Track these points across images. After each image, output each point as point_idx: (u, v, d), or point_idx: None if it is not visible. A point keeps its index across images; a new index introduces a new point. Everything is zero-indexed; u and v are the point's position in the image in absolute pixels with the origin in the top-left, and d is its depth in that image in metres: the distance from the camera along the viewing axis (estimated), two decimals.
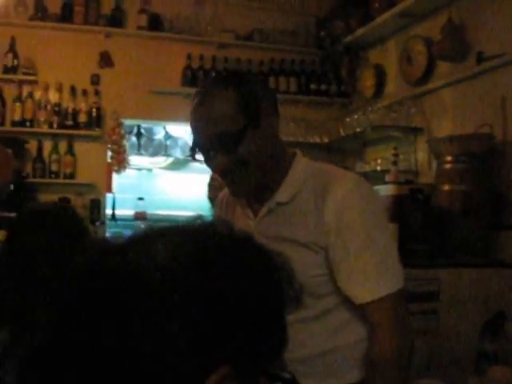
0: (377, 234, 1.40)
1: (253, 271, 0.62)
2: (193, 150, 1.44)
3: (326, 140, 5.06)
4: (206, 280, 0.58)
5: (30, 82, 4.78)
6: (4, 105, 4.68)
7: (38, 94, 4.78)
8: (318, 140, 5.08)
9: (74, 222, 1.49)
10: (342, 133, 4.80)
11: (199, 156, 1.44)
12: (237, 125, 1.35)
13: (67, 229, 1.45)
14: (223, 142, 1.35)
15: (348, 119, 4.78)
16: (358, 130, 4.54)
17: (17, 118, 4.68)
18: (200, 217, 0.69)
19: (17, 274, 1.36)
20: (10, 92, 4.72)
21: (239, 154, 1.36)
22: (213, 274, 0.59)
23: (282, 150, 1.47)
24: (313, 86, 5.25)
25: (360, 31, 4.77)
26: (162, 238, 0.62)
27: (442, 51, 3.85)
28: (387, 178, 3.45)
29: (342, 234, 1.37)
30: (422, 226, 3.04)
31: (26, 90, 4.76)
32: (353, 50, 5.08)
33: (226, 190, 1.62)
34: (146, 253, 0.60)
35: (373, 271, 1.38)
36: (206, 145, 1.39)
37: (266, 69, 5.18)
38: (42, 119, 4.73)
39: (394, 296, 1.37)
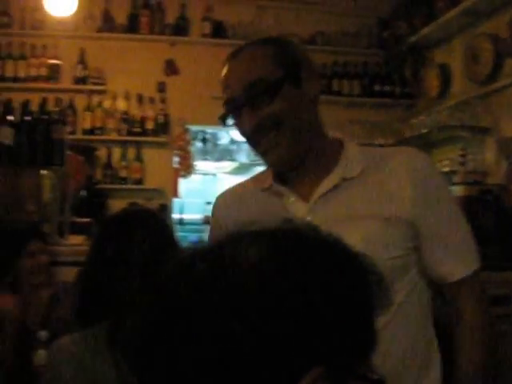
0: (457, 205, 1.36)
1: (343, 274, 0.63)
2: (224, 114, 1.30)
3: (390, 142, 5.02)
4: (298, 283, 0.60)
5: (99, 92, 4.95)
6: (75, 114, 4.87)
7: (106, 103, 4.94)
8: (382, 142, 5.05)
9: (164, 224, 1.54)
10: (407, 134, 4.76)
11: (230, 121, 1.30)
12: (274, 74, 1.23)
13: (162, 229, 1.50)
14: (258, 91, 1.22)
15: (414, 120, 4.73)
16: (424, 130, 4.49)
17: (87, 126, 4.86)
18: (289, 220, 0.69)
19: (116, 270, 1.40)
20: (80, 102, 4.90)
21: (274, 109, 1.23)
22: (305, 277, 0.60)
23: (319, 122, 1.34)
24: (376, 88, 5.23)
25: (424, 31, 4.72)
26: (252, 241, 0.63)
27: (511, 48, 3.77)
28: (455, 178, 3.41)
29: (431, 205, 1.27)
30: (493, 228, 2.99)
31: (95, 99, 4.93)
32: (417, 49, 5.02)
33: (233, 189, 1.47)
34: (239, 256, 0.61)
35: (467, 243, 1.31)
36: (239, 98, 1.24)
37: (329, 72, 5.19)
38: (110, 127, 4.89)
39: (478, 271, 1.32)
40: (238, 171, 5.50)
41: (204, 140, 5.45)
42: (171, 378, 0.60)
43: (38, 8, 4.77)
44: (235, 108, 1.26)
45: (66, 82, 4.91)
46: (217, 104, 4.90)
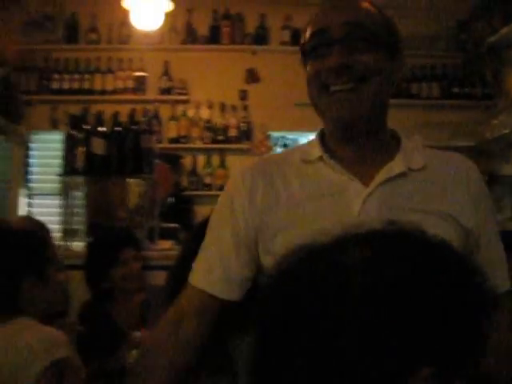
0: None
1: (453, 275, 0.63)
2: (309, 43, 1.18)
3: (471, 143, 4.93)
4: (411, 285, 0.61)
5: (183, 102, 5.12)
6: (160, 124, 5.07)
7: (190, 112, 5.10)
8: (462, 144, 4.96)
9: None
10: (488, 135, 4.66)
11: (308, 48, 1.19)
12: (379, 30, 1.16)
13: None
14: (356, 35, 1.13)
15: (494, 121, 4.62)
16: (505, 131, 4.38)
17: (172, 135, 5.04)
18: (392, 222, 0.69)
19: None
20: (165, 112, 5.09)
21: (368, 59, 1.13)
22: (417, 279, 0.61)
23: (386, 117, 1.26)
24: (456, 90, 5.15)
25: (504, 30, 4.61)
26: (361, 245, 0.64)
27: None
28: None
29: (488, 216, 1.22)
30: None
31: (179, 109, 5.11)
32: (496, 50, 4.91)
33: (263, 160, 1.34)
34: (349, 260, 0.63)
35: (505, 259, 1.26)
36: (335, 31, 1.13)
37: (408, 75, 5.16)
38: (195, 135, 5.05)
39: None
40: None
41: (285, 146, 5.52)
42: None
43: (125, 23, 5.02)
44: (323, 40, 1.15)
45: (151, 93, 5.11)
46: (297, 110, 4.99)
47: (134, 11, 4.73)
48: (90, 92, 5.01)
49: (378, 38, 1.15)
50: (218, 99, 5.12)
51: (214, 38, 5.21)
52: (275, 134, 5.27)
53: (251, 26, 5.27)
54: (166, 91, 5.11)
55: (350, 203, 1.15)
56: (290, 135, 5.53)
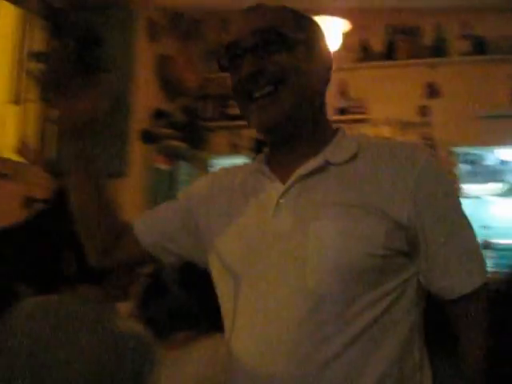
0: (465, 214, 1.20)
1: None
2: (222, 55, 1.24)
3: None
4: None
5: (361, 121, 5.26)
6: None
7: (369, 131, 5.23)
8: None
9: None
10: None
11: (224, 62, 1.25)
12: (290, 29, 1.19)
13: None
14: (268, 38, 1.17)
15: None
16: None
17: None
18: None
19: None
20: None
21: (281, 60, 1.17)
22: None
23: (324, 112, 1.28)
24: None
25: None
26: None
27: None
28: None
29: (433, 210, 1.15)
30: None
31: (357, 128, 5.26)
32: None
33: (233, 165, 1.41)
34: None
35: (472, 255, 1.19)
36: (244, 41, 1.19)
37: None
38: None
39: (483, 287, 1.19)
40: (509, 193, 5.43)
41: (471, 162, 5.48)
42: None
43: None
44: (236, 52, 1.20)
45: (329, 114, 5.29)
46: (480, 123, 4.90)
47: None
48: None
49: (289, 38, 1.18)
50: (396, 116, 5.20)
51: (389, 54, 5.32)
52: (459, 150, 5.25)
53: (428, 38, 5.31)
54: (343, 111, 5.27)
55: (267, 203, 1.20)
56: (475, 151, 5.47)
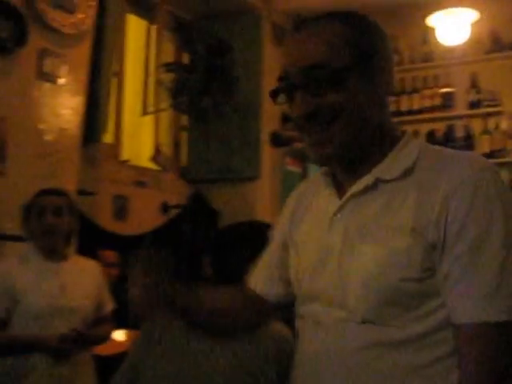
0: (507, 238, 1.03)
1: None
2: (275, 90, 1.19)
3: None
4: None
5: (495, 114, 5.03)
6: (471, 138, 5.04)
7: (504, 124, 4.98)
8: None
9: None
10: None
11: (281, 98, 1.20)
12: (339, 61, 1.10)
13: None
14: (316, 77, 1.10)
15: None
16: None
17: (485, 149, 4.96)
18: None
19: None
20: (476, 126, 5.06)
21: (333, 100, 1.10)
22: None
23: (387, 120, 1.19)
24: None
25: None
26: None
27: None
28: None
29: (458, 226, 1.04)
30: None
31: (491, 121, 5.03)
32: None
33: (300, 189, 1.39)
34: None
35: (491, 283, 1.02)
36: (293, 78, 1.13)
37: None
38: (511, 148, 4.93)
39: (507, 327, 1.01)
40: None
41: None
42: None
43: (426, 41, 5.15)
44: (288, 88, 1.15)
45: (460, 109, 5.13)
46: None
47: (440, 28, 4.83)
48: (398, 113, 5.18)
49: (343, 73, 1.11)
50: None
51: None
52: None
53: None
54: (476, 104, 5.07)
55: (325, 218, 1.20)
56: None
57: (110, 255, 3.77)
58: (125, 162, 4.49)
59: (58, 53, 3.32)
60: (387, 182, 1.13)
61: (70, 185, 3.21)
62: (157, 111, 4.80)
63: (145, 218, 4.49)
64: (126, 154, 4.55)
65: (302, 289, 1.23)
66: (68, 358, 2.45)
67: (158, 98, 4.79)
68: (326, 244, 1.17)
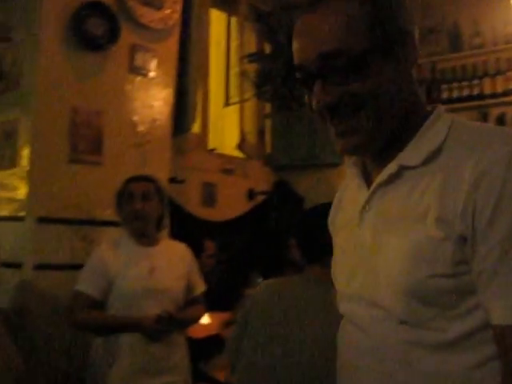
0: None
1: None
2: (292, 80, 1.05)
3: None
4: None
5: None
6: None
7: None
8: None
9: None
10: None
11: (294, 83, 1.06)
12: (358, 45, 0.97)
13: None
14: (335, 66, 0.98)
15: None
16: None
17: None
18: None
19: None
20: None
21: (355, 89, 0.98)
22: None
23: (414, 98, 1.05)
24: None
25: None
26: None
27: None
28: None
29: (491, 215, 0.90)
30: None
31: None
32: None
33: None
34: None
35: None
36: (312, 68, 1.01)
37: None
38: None
39: None
40: None
41: None
42: None
43: (508, 23, 5.00)
44: (306, 77, 1.03)
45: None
46: None
47: None
48: (481, 97, 5.06)
49: (363, 58, 0.97)
50: None
51: None
52: None
53: None
54: None
55: (355, 213, 1.11)
56: None
57: (211, 246, 3.87)
58: (212, 150, 4.61)
59: (147, 47, 3.45)
60: (412, 168, 1.01)
61: (161, 173, 3.32)
62: (241, 101, 4.89)
63: (232, 204, 4.60)
64: (212, 143, 4.67)
65: (339, 287, 1.17)
66: (161, 338, 2.56)
67: (241, 89, 4.88)
68: (357, 240, 1.09)
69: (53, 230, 2.98)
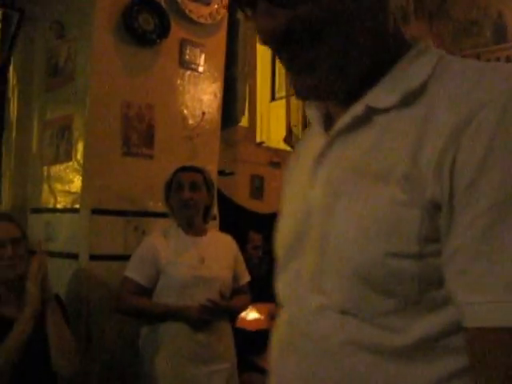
0: None
1: None
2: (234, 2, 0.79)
3: None
4: None
5: None
6: None
7: None
8: None
9: None
10: None
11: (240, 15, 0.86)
12: None
13: None
14: None
15: None
16: None
17: None
18: None
19: None
20: None
21: (304, 10, 0.75)
22: None
23: (391, 28, 0.81)
24: None
25: None
26: None
27: None
28: None
29: (476, 172, 0.66)
30: None
31: None
32: None
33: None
34: None
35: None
36: None
37: None
38: None
39: None
40: None
41: None
42: None
43: None
44: (250, 2, 0.81)
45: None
46: None
47: None
48: None
49: None
50: None
51: None
52: None
53: None
54: None
55: (308, 168, 0.87)
56: None
57: (257, 238, 3.90)
58: (260, 144, 4.63)
59: (196, 42, 3.48)
60: (383, 112, 0.78)
61: (211, 166, 3.36)
62: (287, 96, 4.89)
63: (279, 196, 4.61)
64: (260, 136, 4.69)
65: (279, 262, 0.93)
66: (206, 327, 2.60)
67: (287, 83, 4.88)
68: (307, 201, 0.85)
69: (106, 222, 3.03)
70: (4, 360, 2.12)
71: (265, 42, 0.80)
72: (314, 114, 0.91)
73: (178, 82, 3.40)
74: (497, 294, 0.63)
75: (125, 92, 3.15)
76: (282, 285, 0.91)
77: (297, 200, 0.90)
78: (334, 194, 0.79)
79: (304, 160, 0.92)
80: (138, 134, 3.18)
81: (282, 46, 0.79)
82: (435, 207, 0.68)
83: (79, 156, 3.07)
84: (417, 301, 0.71)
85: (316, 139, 0.88)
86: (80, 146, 3.08)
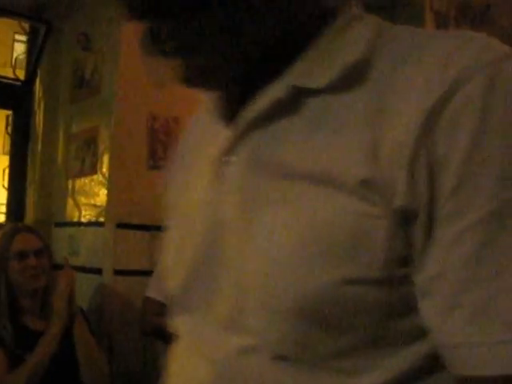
0: None
1: None
2: None
3: None
4: None
5: None
6: None
7: None
8: None
9: None
10: None
11: None
12: None
13: None
14: None
15: None
16: None
17: None
18: None
19: None
20: None
21: None
22: None
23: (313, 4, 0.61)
24: None
25: None
26: None
27: None
28: None
29: (463, 168, 0.50)
30: None
31: None
32: None
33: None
34: None
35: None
36: None
37: None
38: None
39: None
40: None
41: None
42: None
43: None
44: None
45: None
46: None
47: None
48: None
49: None
50: None
51: None
52: None
53: None
54: None
55: (207, 172, 0.66)
56: None
57: None
58: None
59: None
60: (315, 94, 0.58)
61: None
62: None
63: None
64: None
65: (171, 291, 0.72)
66: None
67: None
68: (211, 214, 0.64)
69: (132, 236, 2.98)
70: (32, 373, 2.14)
71: (131, 16, 0.56)
72: (208, 106, 0.70)
73: (204, 94, 3.33)
74: (501, 332, 0.47)
75: (151, 104, 3.10)
76: (183, 326, 0.70)
77: (194, 210, 0.67)
78: (254, 204, 0.59)
79: (198, 155, 0.70)
80: (164, 147, 3.12)
81: (153, 19, 0.56)
82: (407, 217, 0.52)
83: (104, 169, 3.03)
84: (380, 336, 0.54)
85: (215, 128, 0.66)
86: (105, 159, 3.03)
